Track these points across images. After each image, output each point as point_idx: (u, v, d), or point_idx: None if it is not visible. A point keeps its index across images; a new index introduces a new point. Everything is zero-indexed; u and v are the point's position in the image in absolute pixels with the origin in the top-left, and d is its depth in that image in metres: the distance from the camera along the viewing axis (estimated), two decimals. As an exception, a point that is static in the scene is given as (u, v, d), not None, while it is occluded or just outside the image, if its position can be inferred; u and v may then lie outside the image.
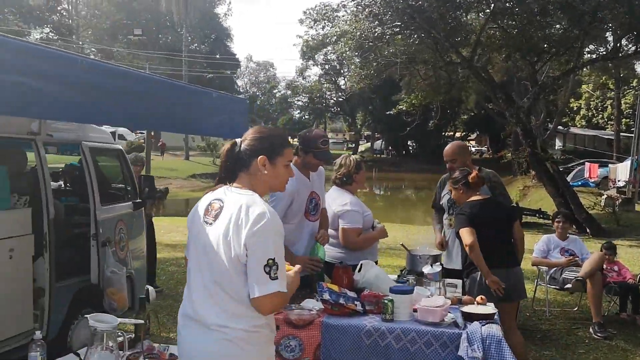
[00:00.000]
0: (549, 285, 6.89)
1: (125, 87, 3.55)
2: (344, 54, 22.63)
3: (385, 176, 49.93)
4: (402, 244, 4.99)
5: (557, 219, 7.25)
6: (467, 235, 4.48)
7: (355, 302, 3.71)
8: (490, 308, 3.75)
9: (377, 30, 16.31)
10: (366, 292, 3.79)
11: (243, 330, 2.35)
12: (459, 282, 4.63)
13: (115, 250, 4.95)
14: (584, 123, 48.12)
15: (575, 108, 47.80)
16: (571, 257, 6.77)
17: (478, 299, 3.98)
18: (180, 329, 2.51)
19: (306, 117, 70.19)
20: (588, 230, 15.30)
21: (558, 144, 44.37)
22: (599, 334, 6.18)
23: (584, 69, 22.21)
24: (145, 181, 5.83)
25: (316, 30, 23.28)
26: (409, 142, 61.86)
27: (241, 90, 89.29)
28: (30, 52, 3.03)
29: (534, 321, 6.73)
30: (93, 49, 63.36)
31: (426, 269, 4.13)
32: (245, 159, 2.52)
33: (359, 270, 4.01)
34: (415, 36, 17.10)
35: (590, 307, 6.42)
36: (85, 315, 2.66)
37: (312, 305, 3.74)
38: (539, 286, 7.15)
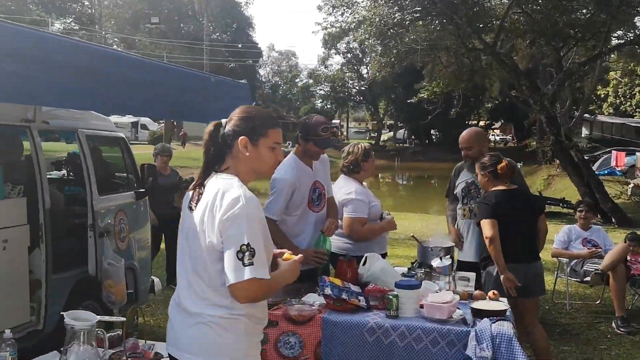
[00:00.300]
0: (569, 278, 6.62)
1: (113, 70, 3.38)
2: (364, 42, 22.29)
3: (407, 165, 49.54)
4: (412, 235, 4.77)
5: (579, 209, 6.95)
6: (488, 227, 4.26)
7: (359, 297, 3.51)
8: (502, 304, 3.52)
9: (396, 16, 16.02)
10: (371, 287, 3.59)
11: (219, 316, 2.29)
12: (472, 275, 4.42)
13: (115, 241, 4.81)
14: (611, 110, 47.09)
15: (602, 95, 46.83)
16: (593, 249, 6.49)
17: (490, 294, 3.75)
18: (169, 315, 2.48)
19: (328, 106, 69.83)
20: (613, 220, 14.90)
21: (585, 132, 43.55)
22: (621, 329, 5.90)
23: (612, 55, 21.57)
24: (148, 170, 5.68)
25: (335, 17, 22.76)
26: (432, 131, 61.24)
27: (263, 80, 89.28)
28: (18, 35, 2.89)
29: (554, 315, 6.46)
30: (116, 39, 63.72)
31: (435, 262, 3.91)
32: (229, 141, 2.40)
33: (364, 264, 3.80)
34: (436, 22, 16.78)
35: (613, 301, 6.14)
36: (62, 313, 2.50)
37: (313, 300, 3.55)
38: (559, 278, 6.88)
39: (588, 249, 6.56)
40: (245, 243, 2.18)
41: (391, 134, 67.96)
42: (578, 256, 6.49)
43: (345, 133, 76.35)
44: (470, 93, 34.74)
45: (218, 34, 70.04)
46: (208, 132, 2.44)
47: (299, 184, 3.98)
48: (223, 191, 2.27)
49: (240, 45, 71.74)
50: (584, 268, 6.37)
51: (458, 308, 3.45)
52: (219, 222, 2.24)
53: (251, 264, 2.17)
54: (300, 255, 2.52)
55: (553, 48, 16.37)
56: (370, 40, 20.67)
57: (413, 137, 63.61)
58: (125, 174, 5.45)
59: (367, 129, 76.28)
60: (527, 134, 41.37)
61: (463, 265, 4.92)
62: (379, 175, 43.46)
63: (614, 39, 17.34)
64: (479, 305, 3.47)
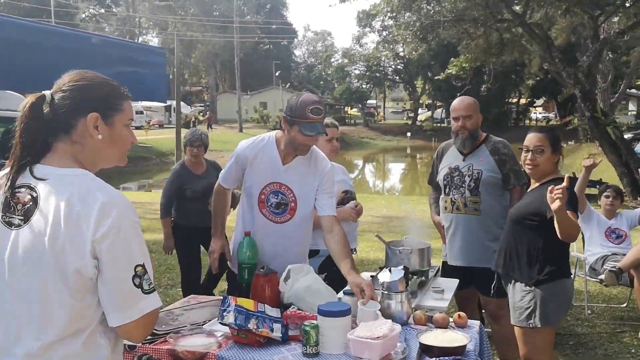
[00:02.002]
0: (588, 277, 5.60)
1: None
2: (386, 14, 21.24)
3: (444, 145, 48.07)
4: (377, 235, 3.90)
5: (605, 194, 5.85)
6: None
7: (274, 325, 2.66)
8: (464, 337, 2.61)
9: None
10: (290, 311, 2.73)
11: None
12: (452, 284, 3.56)
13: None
14: (661, 85, 44.84)
15: (651, 69, 44.67)
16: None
17: (455, 316, 2.87)
18: None
19: (364, 85, 68.66)
20: (654, 202, 13.65)
21: (631, 107, 41.58)
22: (650, 341, 4.90)
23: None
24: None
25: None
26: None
27: (299, 60, 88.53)
28: None
29: (569, 321, 5.41)
30: (151, 22, 63.66)
31: (383, 275, 3.00)
32: (64, 119, 1.66)
33: (286, 279, 2.93)
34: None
35: (639, 306, 5.13)
36: None
37: (213, 329, 2.73)
38: (577, 277, 5.87)
39: (611, 240, 5.57)
40: (140, 263, 1.61)
41: (429, 113, 66.37)
42: None
43: (382, 113, 75.16)
44: (508, 69, 33.28)
45: (251, 15, 69.41)
46: (26, 108, 1.66)
47: (252, 169, 3.21)
48: (81, 195, 1.57)
49: (274, 26, 71.11)
50: (605, 266, 5.36)
51: (403, 341, 2.58)
52: (93, 240, 1.54)
53: (152, 290, 1.63)
54: None
55: (589, 17, 15.03)
56: (391, 13, 19.70)
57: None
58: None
59: (404, 109, 74.70)
60: (570, 111, 39.63)
61: (453, 271, 4.11)
62: (417, 156, 42.42)
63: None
64: (430, 338, 2.58)
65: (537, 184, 3.33)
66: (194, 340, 2.60)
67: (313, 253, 3.77)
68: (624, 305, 5.81)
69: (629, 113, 39.87)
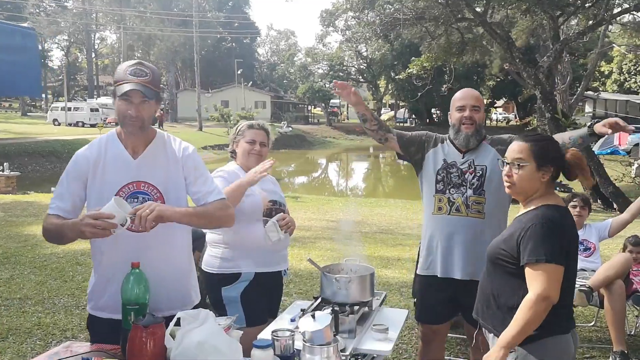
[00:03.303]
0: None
1: None
2: (347, 10, 20.81)
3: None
4: (309, 260, 3.31)
5: (572, 203, 5.23)
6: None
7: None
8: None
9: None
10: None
11: None
12: (401, 316, 3.02)
13: None
14: (615, 87, 45.64)
15: (606, 72, 45.38)
16: None
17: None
18: None
19: (327, 85, 68.29)
20: (615, 206, 13.44)
21: (587, 109, 42.16)
22: (621, 368, 4.43)
23: (611, 29, 20.01)
24: None
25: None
26: (432, 110, 59.73)
27: (262, 59, 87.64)
28: None
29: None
30: (108, 18, 62.08)
31: (304, 323, 2.38)
32: None
33: (173, 332, 2.28)
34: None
35: (609, 329, 4.66)
36: None
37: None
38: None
39: (579, 254, 5.08)
40: None
41: (392, 113, 66.42)
42: None
43: (346, 113, 74.89)
44: (470, 70, 33.29)
45: (212, 12, 68.32)
46: None
47: (96, 177, 2.54)
48: None
49: (236, 24, 70.13)
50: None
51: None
52: None
53: None
54: None
55: (550, 17, 14.79)
56: (353, 12, 19.30)
57: (414, 116, 62.12)
58: None
59: (366, 109, 74.44)
60: (530, 112, 39.97)
61: (436, 284, 3.38)
62: (380, 156, 42.20)
63: (615, 6, 15.72)
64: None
65: (523, 210, 2.58)
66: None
67: (232, 278, 3.22)
68: (591, 324, 5.35)
69: (585, 114, 40.32)
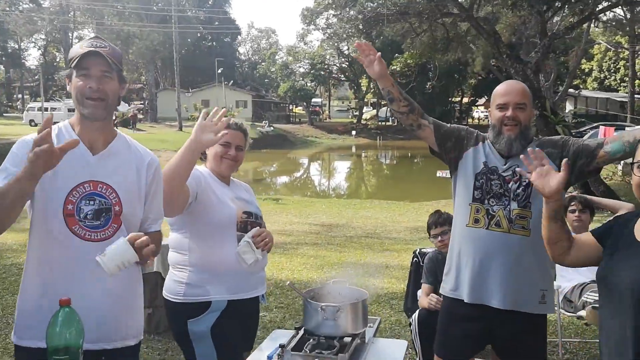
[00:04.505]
0: (563, 311, 4.64)
1: None
2: (328, 8, 20.38)
3: (390, 144, 48.31)
4: (289, 283, 2.81)
5: (571, 208, 4.68)
6: None
7: None
8: None
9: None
10: None
11: None
12: (400, 348, 2.57)
13: None
14: (595, 85, 45.85)
15: (587, 70, 45.57)
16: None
17: None
18: None
19: (309, 84, 67.91)
20: (607, 206, 13.09)
21: (569, 107, 42.28)
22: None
23: (597, 27, 19.81)
24: None
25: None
26: (414, 109, 59.41)
27: (243, 58, 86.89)
28: None
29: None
30: (87, 16, 60.98)
31: None
32: None
33: None
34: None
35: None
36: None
37: None
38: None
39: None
40: None
41: (374, 112, 66.12)
42: None
43: (328, 112, 74.50)
44: (452, 68, 33.09)
45: (192, 10, 67.51)
46: None
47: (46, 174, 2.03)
48: None
49: (216, 22, 69.34)
50: (583, 298, 4.41)
51: None
52: None
53: None
54: None
55: (537, 12, 14.43)
56: (334, 10, 18.87)
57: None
58: None
59: (348, 107, 74.27)
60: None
61: (463, 311, 2.79)
62: (363, 155, 41.88)
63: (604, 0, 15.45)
64: None
65: None
66: None
67: (200, 308, 2.66)
68: (599, 338, 4.92)
69: (567, 112, 40.40)
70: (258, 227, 2.78)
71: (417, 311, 3.92)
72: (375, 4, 16.61)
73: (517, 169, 2.67)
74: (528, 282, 2.69)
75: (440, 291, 2.99)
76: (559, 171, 2.15)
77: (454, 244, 2.88)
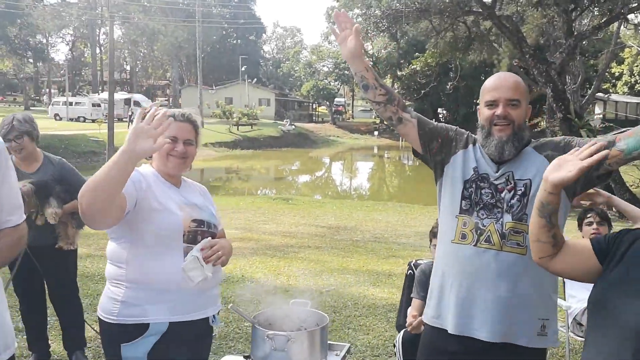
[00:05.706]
0: (572, 334, 4.22)
1: None
2: (350, 6, 20.02)
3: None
4: (232, 307, 2.40)
5: (587, 220, 4.20)
6: None
7: None
8: None
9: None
10: None
11: None
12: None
13: None
14: (626, 90, 44.80)
15: (617, 74, 44.54)
16: None
17: None
18: None
19: (332, 83, 67.64)
20: (631, 215, 12.52)
21: (597, 111, 41.23)
22: None
23: (627, 30, 19.14)
24: None
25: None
26: (439, 110, 58.79)
27: (267, 56, 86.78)
28: None
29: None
30: (114, 12, 61.32)
31: None
32: None
33: None
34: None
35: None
36: None
37: None
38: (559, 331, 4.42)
39: None
40: None
41: (398, 112, 65.63)
42: None
43: (351, 111, 74.05)
44: (477, 69, 32.48)
45: (219, 8, 67.60)
46: None
47: None
48: None
49: (241, 21, 69.27)
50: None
51: None
52: None
53: None
54: None
55: (563, 10, 13.90)
56: (359, 9, 18.50)
57: (419, 116, 61.40)
58: None
59: (372, 108, 73.84)
60: (539, 112, 39.05)
61: (444, 342, 2.35)
62: (385, 155, 41.39)
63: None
64: None
65: None
66: None
67: (136, 330, 2.29)
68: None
69: (595, 116, 39.46)
70: (209, 238, 2.40)
71: (402, 331, 3.52)
72: (396, 1, 16.12)
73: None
74: (524, 310, 2.23)
75: (422, 317, 2.57)
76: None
77: (438, 263, 2.43)
